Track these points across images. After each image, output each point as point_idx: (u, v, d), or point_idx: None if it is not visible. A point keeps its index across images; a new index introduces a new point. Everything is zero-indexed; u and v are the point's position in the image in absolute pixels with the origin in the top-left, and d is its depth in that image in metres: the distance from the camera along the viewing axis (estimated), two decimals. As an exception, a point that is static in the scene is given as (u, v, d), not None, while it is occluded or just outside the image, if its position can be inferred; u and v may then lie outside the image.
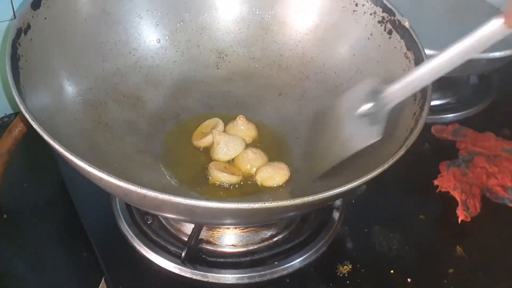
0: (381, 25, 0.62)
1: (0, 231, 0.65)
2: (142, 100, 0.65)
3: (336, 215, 0.63)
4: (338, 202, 0.64)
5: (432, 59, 0.50)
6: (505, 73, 0.87)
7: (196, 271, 0.56)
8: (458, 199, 0.65)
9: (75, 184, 0.66)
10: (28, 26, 0.54)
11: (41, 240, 0.65)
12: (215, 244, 0.59)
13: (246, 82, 0.70)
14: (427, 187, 0.68)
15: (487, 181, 0.68)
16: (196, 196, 0.56)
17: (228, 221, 0.53)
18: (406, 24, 0.60)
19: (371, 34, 0.63)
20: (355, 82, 0.64)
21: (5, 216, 0.67)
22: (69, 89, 0.58)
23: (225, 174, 0.58)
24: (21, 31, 0.53)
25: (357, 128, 0.52)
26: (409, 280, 0.58)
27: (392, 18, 0.61)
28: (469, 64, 0.76)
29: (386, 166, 0.46)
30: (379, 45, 0.63)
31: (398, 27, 0.61)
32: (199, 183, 0.59)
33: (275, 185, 0.58)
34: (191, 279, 0.56)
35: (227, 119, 0.65)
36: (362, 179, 0.45)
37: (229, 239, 0.59)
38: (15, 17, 0.71)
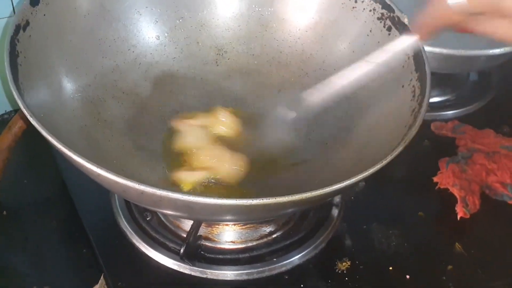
0: (381, 22, 0.62)
1: (-1, 228, 0.65)
2: (141, 96, 0.65)
3: (335, 212, 0.63)
4: (337, 199, 0.64)
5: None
6: (505, 70, 0.87)
7: (194, 268, 0.56)
8: (457, 196, 0.65)
9: (75, 181, 0.66)
10: (27, 23, 0.54)
11: (40, 237, 0.65)
12: (214, 240, 0.59)
13: (245, 78, 0.69)
14: (426, 184, 0.68)
15: (486, 178, 0.68)
16: (194, 192, 0.56)
17: (227, 218, 0.53)
18: (406, 20, 0.60)
19: (370, 31, 0.63)
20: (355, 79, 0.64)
21: (4, 212, 0.67)
22: (68, 85, 0.58)
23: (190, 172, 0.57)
24: (20, 28, 0.53)
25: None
26: (407, 277, 0.58)
27: (392, 14, 0.61)
28: (469, 61, 0.77)
29: (384, 162, 0.46)
30: (379, 42, 0.62)
31: (398, 24, 0.60)
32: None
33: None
34: (189, 275, 0.56)
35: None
36: (361, 176, 0.45)
37: (228, 235, 0.60)
38: (14, 14, 0.71)
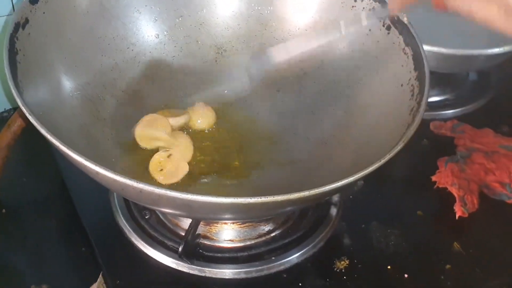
0: (380, 21, 0.62)
1: (-1, 226, 0.65)
2: (140, 95, 0.65)
3: (333, 211, 0.63)
4: (335, 198, 0.64)
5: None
6: (504, 70, 0.87)
7: (193, 266, 0.56)
8: (456, 195, 0.65)
9: (74, 179, 0.67)
10: (26, 21, 0.54)
11: (39, 235, 0.65)
12: (213, 239, 0.59)
13: (244, 77, 0.69)
14: (425, 183, 0.69)
15: (485, 177, 0.68)
16: (193, 191, 0.56)
17: (225, 216, 0.53)
18: (405, 19, 0.60)
19: (369, 30, 0.63)
20: (354, 78, 0.64)
21: (4, 211, 0.67)
22: (67, 83, 0.58)
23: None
24: (19, 26, 0.53)
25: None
26: (406, 276, 0.58)
27: (391, 13, 0.61)
28: (468, 61, 0.77)
29: (383, 161, 0.46)
30: (378, 41, 0.62)
31: (397, 23, 0.60)
32: (198, 177, 0.59)
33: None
34: (188, 273, 0.56)
35: (225, 114, 0.65)
36: (359, 174, 0.45)
37: (227, 234, 0.60)
38: (14, 12, 0.72)
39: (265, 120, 0.66)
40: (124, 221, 0.60)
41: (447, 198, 0.66)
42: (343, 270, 0.58)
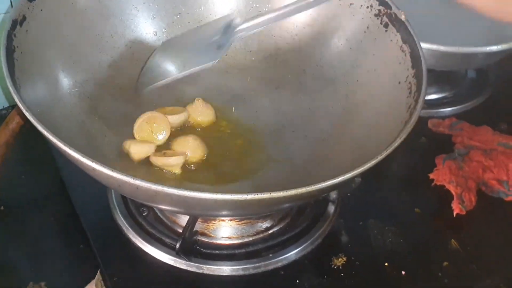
0: (378, 18, 0.62)
1: (-3, 223, 0.65)
2: (138, 92, 0.65)
3: (331, 208, 0.63)
4: (333, 195, 0.64)
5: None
6: (502, 67, 0.87)
7: (191, 263, 0.56)
8: (454, 193, 0.65)
9: (72, 177, 0.67)
10: (24, 18, 0.54)
11: (38, 232, 0.65)
12: (210, 236, 0.59)
13: (242, 75, 0.69)
14: (422, 181, 0.69)
15: (483, 175, 0.68)
16: (190, 187, 0.56)
17: (222, 212, 0.53)
18: (403, 17, 0.60)
19: (367, 28, 0.63)
20: (352, 76, 0.64)
21: (2, 208, 0.67)
22: (65, 81, 0.58)
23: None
24: (17, 23, 0.53)
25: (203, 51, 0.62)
26: (403, 273, 0.58)
27: (389, 11, 0.61)
28: (466, 59, 0.77)
29: (379, 158, 0.46)
30: (376, 39, 0.62)
31: (395, 21, 0.61)
32: (197, 175, 0.59)
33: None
34: (186, 270, 0.57)
35: (223, 112, 0.65)
36: (356, 171, 0.45)
37: (224, 231, 0.60)
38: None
39: (264, 117, 0.66)
40: (122, 218, 0.60)
41: (444, 196, 0.66)
42: (340, 267, 0.58)
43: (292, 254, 0.58)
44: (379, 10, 0.62)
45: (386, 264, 0.59)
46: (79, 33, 0.61)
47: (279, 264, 0.58)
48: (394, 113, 0.55)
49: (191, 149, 0.59)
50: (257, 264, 0.57)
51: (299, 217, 0.62)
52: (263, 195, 0.42)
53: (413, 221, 0.65)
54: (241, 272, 0.57)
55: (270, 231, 0.60)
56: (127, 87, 0.64)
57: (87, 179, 0.47)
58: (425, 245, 0.62)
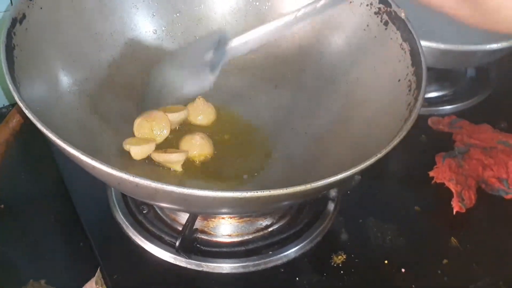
0: (377, 16, 0.62)
1: (-3, 221, 0.66)
2: (138, 90, 0.65)
3: (331, 206, 0.63)
4: (333, 193, 0.64)
5: (272, 23, 0.58)
6: (502, 65, 0.87)
7: (190, 261, 0.56)
8: (453, 191, 0.65)
9: (72, 175, 0.67)
10: (24, 16, 0.54)
11: (38, 230, 0.65)
12: (210, 234, 0.59)
13: (242, 73, 0.69)
14: (422, 179, 0.69)
15: (482, 173, 0.68)
16: (190, 185, 0.56)
17: (222, 210, 0.53)
18: (402, 15, 0.60)
19: (367, 25, 0.63)
20: (351, 74, 0.64)
21: (2, 206, 0.67)
22: (65, 79, 0.58)
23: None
24: (16, 21, 0.53)
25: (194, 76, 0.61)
26: (403, 270, 0.58)
27: (388, 9, 0.61)
28: (466, 57, 0.77)
29: (379, 155, 0.46)
30: (375, 36, 0.62)
31: (394, 18, 0.61)
32: (197, 173, 0.59)
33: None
34: (185, 268, 0.57)
35: (223, 111, 0.65)
36: (356, 169, 0.45)
37: (224, 229, 0.60)
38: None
39: (263, 115, 0.66)
40: (121, 216, 0.61)
41: (444, 194, 0.66)
42: (340, 265, 0.58)
43: (292, 252, 0.59)
44: (379, 8, 0.62)
45: (386, 261, 0.59)
46: (79, 32, 0.61)
47: (279, 262, 0.58)
48: (394, 111, 0.55)
49: (199, 147, 0.59)
50: (257, 262, 0.57)
51: (299, 215, 0.62)
52: (262, 192, 0.42)
53: (413, 219, 0.65)
54: (241, 270, 0.57)
55: (270, 229, 0.61)
56: (127, 85, 0.64)
57: (87, 177, 0.47)
58: (425, 243, 0.62)
